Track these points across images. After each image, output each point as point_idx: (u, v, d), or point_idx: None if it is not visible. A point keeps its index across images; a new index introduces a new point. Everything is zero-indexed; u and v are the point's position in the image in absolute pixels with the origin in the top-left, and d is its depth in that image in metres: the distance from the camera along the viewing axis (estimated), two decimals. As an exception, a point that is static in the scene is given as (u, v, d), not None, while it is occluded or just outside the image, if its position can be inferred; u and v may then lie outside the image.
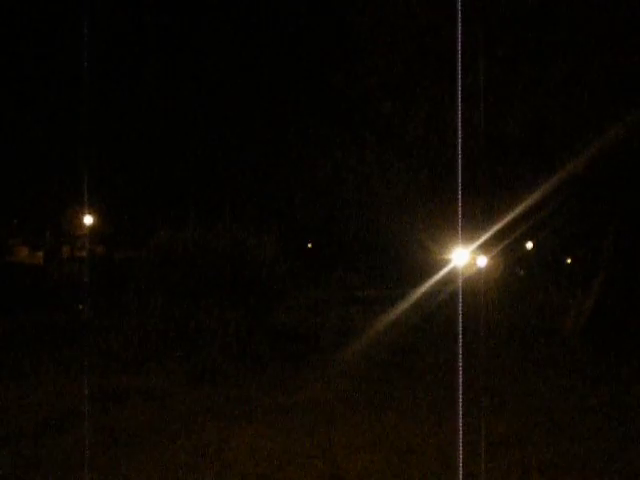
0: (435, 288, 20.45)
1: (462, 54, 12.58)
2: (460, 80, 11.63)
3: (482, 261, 19.80)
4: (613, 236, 16.27)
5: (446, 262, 18.72)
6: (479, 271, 23.46)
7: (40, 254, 29.80)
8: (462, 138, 13.26)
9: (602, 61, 12.41)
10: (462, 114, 13.31)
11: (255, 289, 14.62)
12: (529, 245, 21.57)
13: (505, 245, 17.64)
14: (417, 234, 18.39)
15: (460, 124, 12.71)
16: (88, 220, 24.10)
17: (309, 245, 37.04)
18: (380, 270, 29.21)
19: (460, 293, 15.13)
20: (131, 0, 22.75)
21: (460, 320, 13.74)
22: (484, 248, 17.20)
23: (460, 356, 13.98)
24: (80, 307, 19.57)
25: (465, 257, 17.46)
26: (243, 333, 13.47)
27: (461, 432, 8.85)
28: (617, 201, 15.48)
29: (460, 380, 11.70)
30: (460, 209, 11.93)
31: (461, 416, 9.58)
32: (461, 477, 7.29)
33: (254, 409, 9.99)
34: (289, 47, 23.18)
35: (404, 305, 21.61)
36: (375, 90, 14.95)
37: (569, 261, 22.03)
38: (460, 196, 11.92)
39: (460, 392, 10.91)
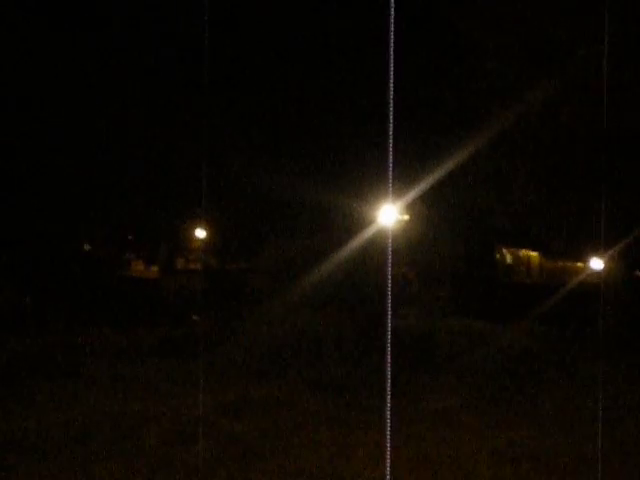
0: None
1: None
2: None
3: (598, 264, 18.21)
4: None
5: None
6: (594, 275, 20.82)
7: (155, 268, 30.59)
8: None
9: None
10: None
11: (372, 296, 14.53)
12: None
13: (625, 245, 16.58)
14: None
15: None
16: (201, 234, 24.64)
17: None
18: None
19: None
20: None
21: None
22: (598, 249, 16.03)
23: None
24: (195, 318, 19.90)
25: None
26: (363, 341, 13.42)
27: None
28: None
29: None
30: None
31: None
32: None
33: (376, 417, 9.93)
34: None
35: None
36: None
37: None
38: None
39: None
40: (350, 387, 11.82)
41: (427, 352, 14.36)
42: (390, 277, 5.01)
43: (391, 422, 9.37)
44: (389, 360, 4.67)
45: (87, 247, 29.73)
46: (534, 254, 33.62)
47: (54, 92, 20.79)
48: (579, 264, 26.11)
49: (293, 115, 19.61)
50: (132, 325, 18.75)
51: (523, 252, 33.96)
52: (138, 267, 32.55)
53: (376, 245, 15.49)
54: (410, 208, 18.33)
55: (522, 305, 18.07)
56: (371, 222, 16.14)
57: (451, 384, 12.26)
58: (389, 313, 5.09)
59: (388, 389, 4.51)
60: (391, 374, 11.68)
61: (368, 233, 15.81)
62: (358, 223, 16.33)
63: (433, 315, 16.75)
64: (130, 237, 32.19)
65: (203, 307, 19.19)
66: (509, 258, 34.11)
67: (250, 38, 19.79)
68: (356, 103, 16.94)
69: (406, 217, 19.34)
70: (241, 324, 15.86)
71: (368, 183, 15.76)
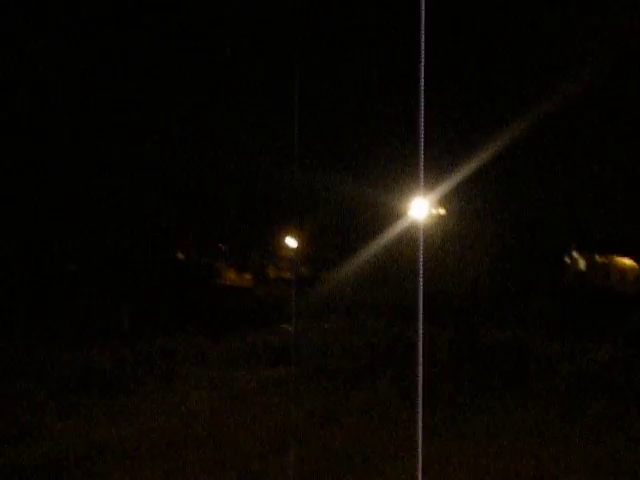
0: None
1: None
2: None
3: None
4: None
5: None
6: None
7: (246, 276, 30.97)
8: None
9: None
10: None
11: (461, 307, 14.39)
12: None
13: None
14: None
15: None
16: (292, 242, 24.89)
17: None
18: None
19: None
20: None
21: None
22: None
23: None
24: (286, 327, 20.02)
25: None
26: (455, 352, 13.27)
27: None
28: None
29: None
30: None
31: None
32: None
33: (470, 430, 9.80)
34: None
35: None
36: None
37: None
38: None
39: None
40: (443, 399, 11.67)
41: (516, 365, 14.12)
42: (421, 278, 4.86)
43: (482, 435, 9.29)
44: (421, 365, 4.56)
45: (180, 256, 30.35)
46: (622, 260, 29.07)
47: (155, 107, 21.41)
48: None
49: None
50: (225, 333, 18.99)
51: (601, 257, 29.20)
52: (230, 275, 32.96)
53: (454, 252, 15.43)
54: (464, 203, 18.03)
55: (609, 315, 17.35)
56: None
57: (542, 397, 11.98)
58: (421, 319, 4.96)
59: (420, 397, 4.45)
60: (483, 387, 11.61)
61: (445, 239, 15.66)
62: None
63: (516, 326, 16.35)
64: (221, 245, 32.67)
65: (295, 315, 19.30)
66: (582, 264, 29.36)
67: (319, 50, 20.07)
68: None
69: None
70: (332, 331, 15.88)
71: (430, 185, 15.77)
